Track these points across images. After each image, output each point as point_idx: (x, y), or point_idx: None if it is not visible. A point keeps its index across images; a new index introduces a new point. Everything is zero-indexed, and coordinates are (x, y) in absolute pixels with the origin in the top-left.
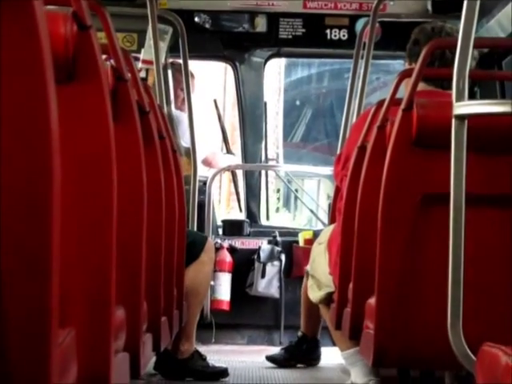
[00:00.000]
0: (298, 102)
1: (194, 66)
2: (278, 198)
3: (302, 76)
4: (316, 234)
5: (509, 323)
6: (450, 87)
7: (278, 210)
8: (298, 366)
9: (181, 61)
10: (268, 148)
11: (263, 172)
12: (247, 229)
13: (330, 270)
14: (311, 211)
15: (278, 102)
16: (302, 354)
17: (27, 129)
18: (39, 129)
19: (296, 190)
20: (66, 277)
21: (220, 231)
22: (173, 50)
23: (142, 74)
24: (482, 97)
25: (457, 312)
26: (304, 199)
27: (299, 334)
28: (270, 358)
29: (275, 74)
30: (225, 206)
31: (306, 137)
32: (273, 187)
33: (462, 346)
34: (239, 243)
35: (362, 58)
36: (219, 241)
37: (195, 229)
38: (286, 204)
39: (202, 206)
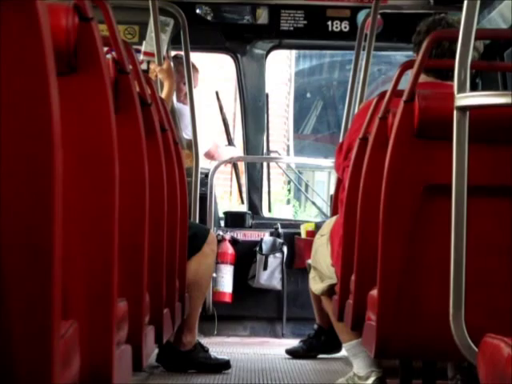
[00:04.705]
0: (308, 94)
1: (220, 58)
2: (289, 190)
3: (311, 66)
4: (318, 225)
5: (511, 314)
6: (449, 78)
7: (288, 201)
8: (319, 356)
9: (183, 53)
10: (277, 140)
11: (265, 164)
12: (249, 221)
13: (333, 261)
14: (313, 203)
15: (289, 94)
16: (321, 345)
17: (28, 120)
18: (41, 120)
19: (306, 184)
20: (69, 269)
21: (222, 223)
22: (174, 42)
23: (144, 66)
24: (484, 88)
25: (459, 303)
26: (313, 191)
27: (315, 326)
28: (289, 351)
29: (285, 67)
30: (237, 197)
31: (316, 129)
32: (283, 179)
33: (464, 336)
34: (241, 235)
35: (364, 49)
36: (221, 233)
37: (197, 221)
38: (297, 196)
39: (204, 198)
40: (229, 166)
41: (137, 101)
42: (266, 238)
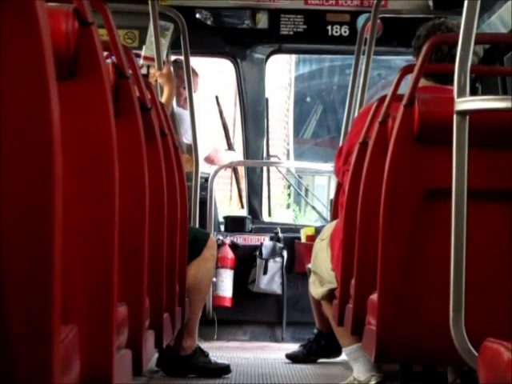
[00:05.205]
0: (308, 99)
1: (220, 63)
2: (289, 194)
3: (311, 70)
4: (318, 230)
5: (511, 318)
6: (449, 82)
7: (288, 206)
8: (319, 361)
9: (183, 58)
10: (277, 145)
11: (265, 168)
12: (249, 225)
13: (333, 265)
14: (313, 208)
15: (289, 98)
16: (321, 350)
17: (28, 126)
18: (40, 125)
19: (306, 188)
20: (69, 273)
21: (222, 228)
22: (174, 46)
23: (144, 71)
24: (484, 92)
25: (459, 307)
26: (313, 195)
27: (315, 331)
28: (289, 356)
29: (285, 71)
30: (236, 202)
31: (316, 133)
32: (283, 183)
33: (464, 341)
34: (241, 240)
35: (364, 53)
36: (221, 237)
37: (197, 225)
38: (297, 200)
39: (203, 203)
40: (229, 171)
41: (137, 105)
42: (266, 242)
